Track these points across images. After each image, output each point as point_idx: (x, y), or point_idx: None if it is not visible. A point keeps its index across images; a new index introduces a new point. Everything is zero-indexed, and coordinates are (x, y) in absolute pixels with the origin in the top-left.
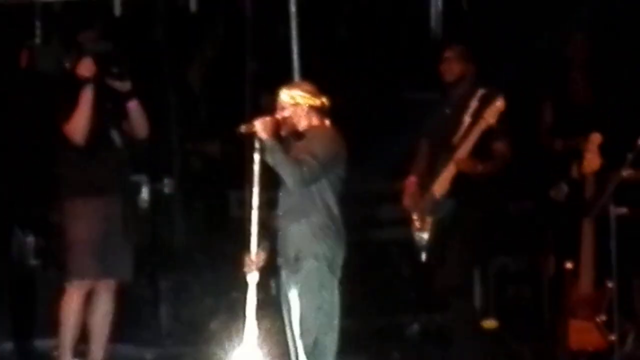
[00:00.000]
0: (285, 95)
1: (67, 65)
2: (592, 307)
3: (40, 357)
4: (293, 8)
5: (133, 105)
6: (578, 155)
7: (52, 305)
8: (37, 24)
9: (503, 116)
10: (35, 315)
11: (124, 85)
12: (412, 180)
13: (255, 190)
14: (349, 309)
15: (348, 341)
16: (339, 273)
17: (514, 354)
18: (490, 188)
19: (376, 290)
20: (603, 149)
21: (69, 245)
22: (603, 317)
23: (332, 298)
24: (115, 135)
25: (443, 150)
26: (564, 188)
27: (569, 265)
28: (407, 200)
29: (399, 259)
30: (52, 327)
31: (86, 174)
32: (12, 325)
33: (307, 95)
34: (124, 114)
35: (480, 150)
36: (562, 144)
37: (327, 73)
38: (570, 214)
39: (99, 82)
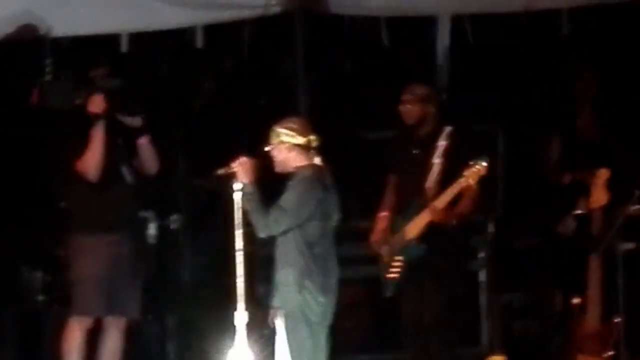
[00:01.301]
0: (272, 133)
1: (78, 101)
2: (600, 342)
3: None
4: (299, 44)
5: (144, 141)
6: (585, 190)
7: (57, 341)
8: (47, 60)
9: (457, 152)
10: (41, 351)
11: (135, 121)
12: (384, 215)
13: (238, 232)
14: (357, 345)
15: None
16: (326, 319)
17: None
18: (462, 237)
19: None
20: (610, 185)
21: (74, 280)
22: (610, 353)
23: (315, 346)
24: (125, 171)
25: (414, 192)
26: (571, 223)
27: (576, 300)
28: (376, 236)
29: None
30: None
31: (96, 210)
32: None
33: (291, 133)
34: (134, 150)
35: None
36: (569, 179)
37: (333, 107)
38: (577, 249)
39: (110, 118)
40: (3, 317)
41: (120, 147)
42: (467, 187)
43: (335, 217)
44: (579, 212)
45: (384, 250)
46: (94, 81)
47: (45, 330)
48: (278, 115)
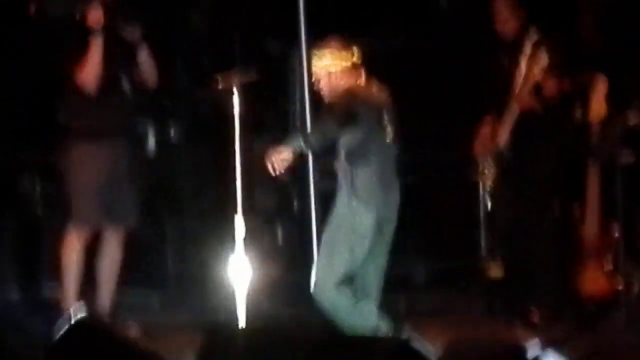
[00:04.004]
0: (317, 67)
1: (77, 14)
2: (599, 255)
3: (46, 304)
4: None
5: (142, 53)
6: (584, 101)
7: (56, 251)
8: None
9: (547, 68)
10: (41, 262)
11: (134, 33)
12: (487, 120)
13: (237, 135)
14: None
15: None
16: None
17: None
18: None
19: None
20: (610, 95)
21: (73, 190)
22: (610, 265)
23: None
24: (124, 83)
25: (507, 97)
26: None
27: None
28: (477, 148)
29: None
30: (59, 274)
31: (94, 120)
32: (19, 272)
33: (337, 61)
34: (133, 62)
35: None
36: (568, 83)
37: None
38: (576, 158)
39: (108, 30)
40: (2, 228)
41: (119, 58)
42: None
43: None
44: None
45: (484, 160)
46: None
47: (44, 241)
48: (277, 25)
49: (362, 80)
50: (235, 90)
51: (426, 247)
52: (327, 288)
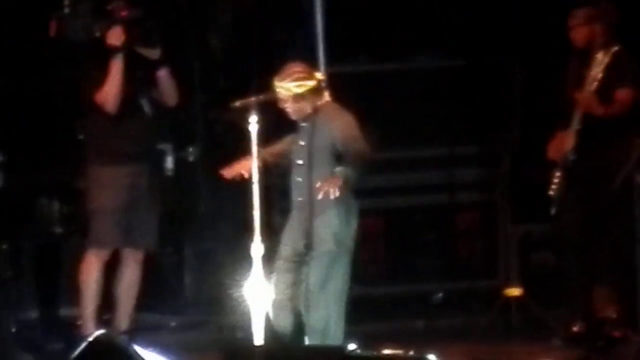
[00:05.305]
0: (280, 89)
1: (97, 33)
2: None
3: (65, 326)
4: None
5: (163, 73)
6: None
7: (75, 273)
8: None
9: (614, 69)
10: (59, 283)
11: (154, 53)
12: (559, 135)
13: (254, 162)
14: (373, 276)
15: (370, 308)
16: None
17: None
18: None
19: (400, 258)
20: None
21: (92, 212)
22: None
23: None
24: (144, 103)
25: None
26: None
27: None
28: (550, 152)
29: (424, 226)
30: (77, 295)
31: (114, 142)
32: (38, 293)
33: (302, 83)
34: (153, 82)
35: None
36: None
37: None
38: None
39: (128, 50)
40: (22, 249)
41: (139, 79)
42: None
43: None
44: None
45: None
46: (112, 13)
47: (63, 262)
48: (294, 49)
49: (328, 100)
50: (253, 111)
51: (444, 268)
52: None
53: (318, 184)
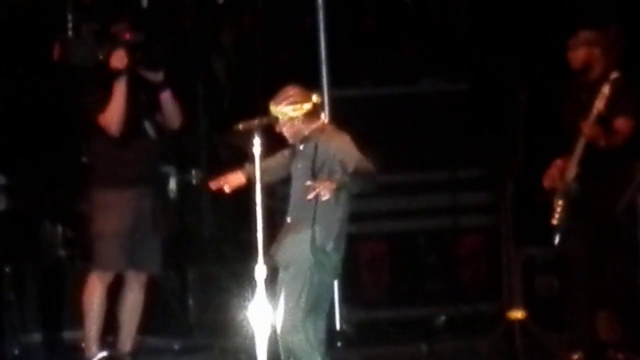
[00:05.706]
0: (277, 114)
1: (100, 57)
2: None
3: (68, 349)
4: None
5: (166, 96)
6: None
7: (79, 296)
8: (69, 17)
9: (614, 98)
10: (63, 306)
11: (157, 76)
12: (557, 163)
13: (258, 185)
14: (376, 300)
15: (374, 331)
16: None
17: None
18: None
19: (404, 282)
20: None
21: (96, 235)
22: None
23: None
24: (148, 126)
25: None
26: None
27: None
28: (547, 181)
29: (427, 250)
30: (80, 318)
31: (118, 165)
32: (41, 316)
33: (298, 106)
34: (157, 105)
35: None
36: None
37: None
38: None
39: (132, 73)
40: (25, 272)
41: (142, 102)
42: (599, 113)
43: None
44: None
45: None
46: (116, 36)
47: (66, 285)
48: (298, 71)
49: (325, 122)
50: (255, 133)
51: (448, 291)
52: None
53: (308, 182)
